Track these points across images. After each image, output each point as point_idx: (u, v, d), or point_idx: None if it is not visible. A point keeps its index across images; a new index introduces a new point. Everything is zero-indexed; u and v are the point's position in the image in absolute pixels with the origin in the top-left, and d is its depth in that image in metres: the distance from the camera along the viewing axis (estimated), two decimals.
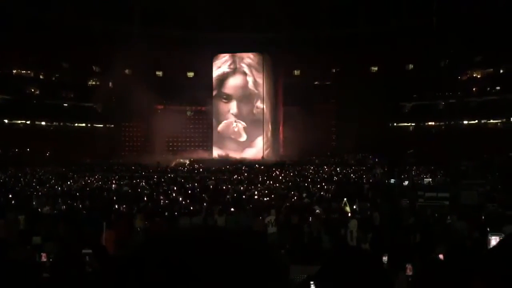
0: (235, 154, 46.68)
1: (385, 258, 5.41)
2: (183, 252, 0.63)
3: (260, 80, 48.71)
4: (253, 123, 48.69)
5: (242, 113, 49.12)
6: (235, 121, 49.05)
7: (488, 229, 7.68)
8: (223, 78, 49.57)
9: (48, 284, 4.52)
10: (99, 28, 50.56)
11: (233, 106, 49.12)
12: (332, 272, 1.28)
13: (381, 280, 1.30)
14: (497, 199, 15.45)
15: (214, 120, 50.10)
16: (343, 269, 1.27)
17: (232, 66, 49.36)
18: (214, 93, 49.73)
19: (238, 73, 49.32)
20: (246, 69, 49.05)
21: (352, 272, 1.25)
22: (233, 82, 49.39)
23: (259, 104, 48.84)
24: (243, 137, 49.09)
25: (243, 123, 48.89)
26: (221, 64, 49.81)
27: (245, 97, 49.05)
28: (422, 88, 49.24)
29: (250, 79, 48.92)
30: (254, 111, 48.84)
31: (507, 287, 1.35)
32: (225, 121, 49.53)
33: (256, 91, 48.90)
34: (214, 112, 50.18)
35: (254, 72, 48.89)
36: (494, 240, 6.16)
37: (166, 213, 12.76)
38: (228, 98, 49.35)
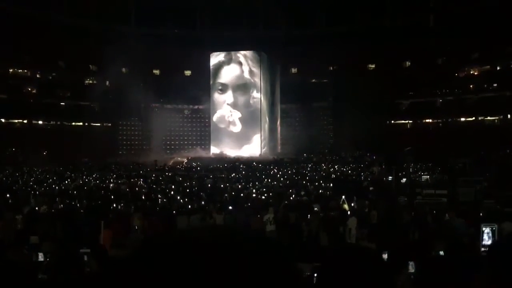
0: (232, 152, 46.29)
1: (385, 256, 5.40)
2: (182, 253, 0.62)
3: (256, 70, 47.87)
4: (250, 114, 47.98)
5: (238, 103, 48.37)
6: (230, 111, 48.42)
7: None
8: (218, 68, 48.91)
9: (45, 285, 4.49)
10: (95, 26, 50.37)
11: (228, 96, 48.28)
12: (332, 270, 1.27)
13: (382, 278, 1.28)
14: (495, 196, 15.48)
15: (211, 117, 49.74)
16: (343, 267, 1.25)
17: (227, 56, 48.81)
18: (210, 82, 49.12)
19: (233, 63, 48.62)
20: (241, 59, 48.42)
21: (353, 270, 1.24)
22: (229, 72, 48.61)
23: (255, 94, 48.06)
24: (238, 128, 48.25)
25: (239, 113, 48.28)
26: (216, 56, 49.36)
27: (241, 86, 48.23)
28: (419, 85, 49.24)
29: (245, 69, 48.18)
30: (251, 101, 48.17)
31: (509, 283, 1.33)
32: (219, 110, 48.84)
33: (252, 81, 48.14)
34: (210, 104, 49.50)
35: (250, 62, 48.24)
36: (486, 232, 6.15)
37: (164, 212, 12.73)
38: (224, 88, 48.53)
